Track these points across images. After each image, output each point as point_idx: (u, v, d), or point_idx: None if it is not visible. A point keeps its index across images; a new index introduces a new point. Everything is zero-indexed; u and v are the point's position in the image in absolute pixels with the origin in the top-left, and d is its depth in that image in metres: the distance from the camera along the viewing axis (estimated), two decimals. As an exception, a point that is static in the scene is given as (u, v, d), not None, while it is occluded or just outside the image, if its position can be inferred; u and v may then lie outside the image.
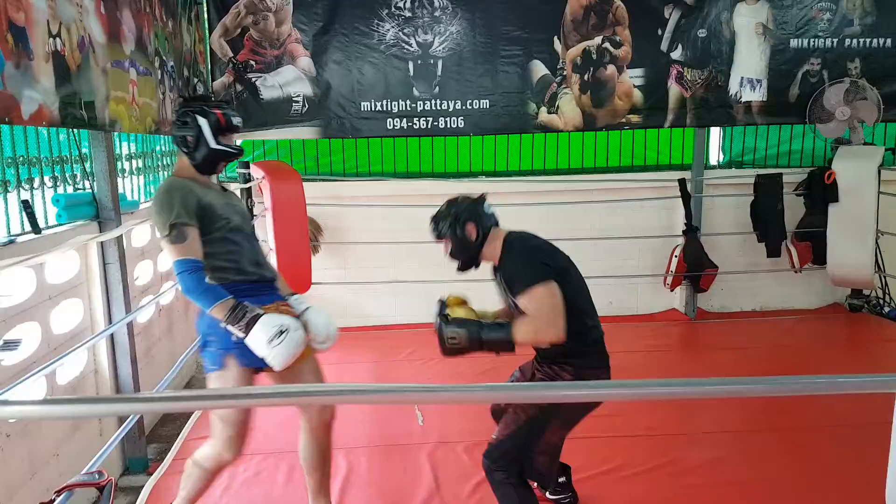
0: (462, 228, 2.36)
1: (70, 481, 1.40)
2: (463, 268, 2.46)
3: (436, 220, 2.43)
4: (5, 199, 2.59)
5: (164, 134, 3.93)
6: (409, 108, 5.03)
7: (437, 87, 5.02)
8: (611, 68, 5.09)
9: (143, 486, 2.95)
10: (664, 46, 5.11)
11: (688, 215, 5.25)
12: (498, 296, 2.47)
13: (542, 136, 5.38)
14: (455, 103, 5.04)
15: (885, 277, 5.37)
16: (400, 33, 4.93)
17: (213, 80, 4.85)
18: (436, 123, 5.07)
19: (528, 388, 1.73)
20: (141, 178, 4.05)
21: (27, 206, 2.55)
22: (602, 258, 5.25)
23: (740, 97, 5.20)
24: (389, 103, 5.01)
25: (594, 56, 5.07)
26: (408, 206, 5.02)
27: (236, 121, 2.35)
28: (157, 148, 4.38)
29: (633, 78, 5.11)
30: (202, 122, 2.27)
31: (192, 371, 4.62)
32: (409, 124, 5.06)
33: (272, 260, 4.51)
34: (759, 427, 3.43)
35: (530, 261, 2.27)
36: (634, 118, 5.17)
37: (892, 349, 4.71)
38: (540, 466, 2.37)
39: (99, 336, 2.93)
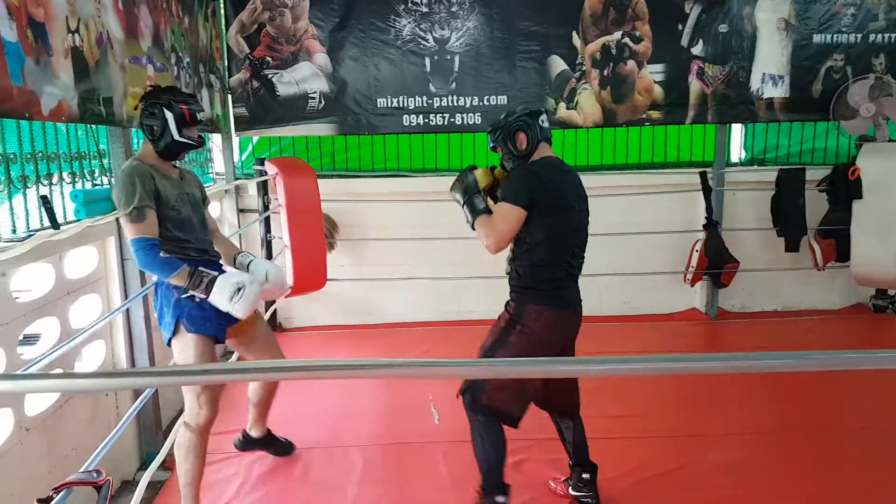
0: (513, 138, 2.49)
1: (67, 479, 1.40)
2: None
3: (493, 128, 2.56)
4: (24, 195, 2.61)
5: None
6: (425, 105, 5.00)
7: (454, 83, 4.99)
8: (631, 63, 5.02)
9: (163, 482, 2.97)
10: (685, 42, 5.04)
11: (708, 209, 5.18)
12: None
13: (560, 132, 5.33)
14: (472, 99, 5.01)
15: (910, 277, 5.25)
16: (416, 29, 4.91)
17: (229, 77, 4.86)
18: (452, 120, 5.04)
19: (510, 363, 1.72)
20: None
21: (46, 202, 2.57)
22: (622, 256, 5.20)
23: (762, 93, 5.11)
24: (406, 99, 4.99)
25: (614, 51, 5.00)
26: (424, 202, 5.01)
27: (200, 115, 2.51)
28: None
29: (653, 73, 5.04)
30: (168, 114, 2.42)
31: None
32: (426, 121, 5.03)
33: (286, 256, 4.53)
34: (778, 428, 3.39)
35: (521, 183, 2.43)
36: (655, 114, 5.10)
37: (918, 351, 4.61)
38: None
39: (106, 319, 2.94)
